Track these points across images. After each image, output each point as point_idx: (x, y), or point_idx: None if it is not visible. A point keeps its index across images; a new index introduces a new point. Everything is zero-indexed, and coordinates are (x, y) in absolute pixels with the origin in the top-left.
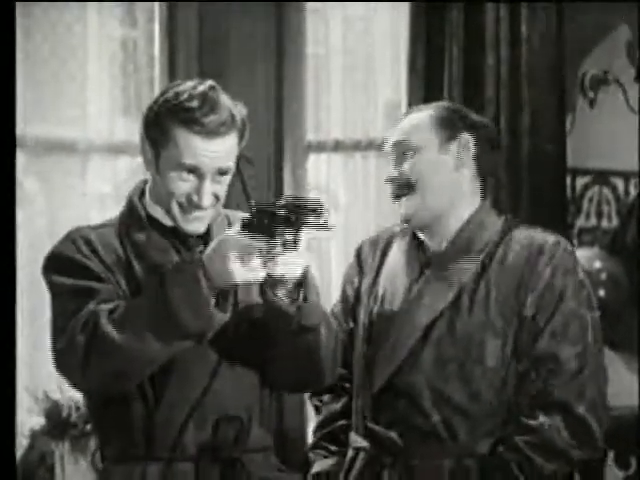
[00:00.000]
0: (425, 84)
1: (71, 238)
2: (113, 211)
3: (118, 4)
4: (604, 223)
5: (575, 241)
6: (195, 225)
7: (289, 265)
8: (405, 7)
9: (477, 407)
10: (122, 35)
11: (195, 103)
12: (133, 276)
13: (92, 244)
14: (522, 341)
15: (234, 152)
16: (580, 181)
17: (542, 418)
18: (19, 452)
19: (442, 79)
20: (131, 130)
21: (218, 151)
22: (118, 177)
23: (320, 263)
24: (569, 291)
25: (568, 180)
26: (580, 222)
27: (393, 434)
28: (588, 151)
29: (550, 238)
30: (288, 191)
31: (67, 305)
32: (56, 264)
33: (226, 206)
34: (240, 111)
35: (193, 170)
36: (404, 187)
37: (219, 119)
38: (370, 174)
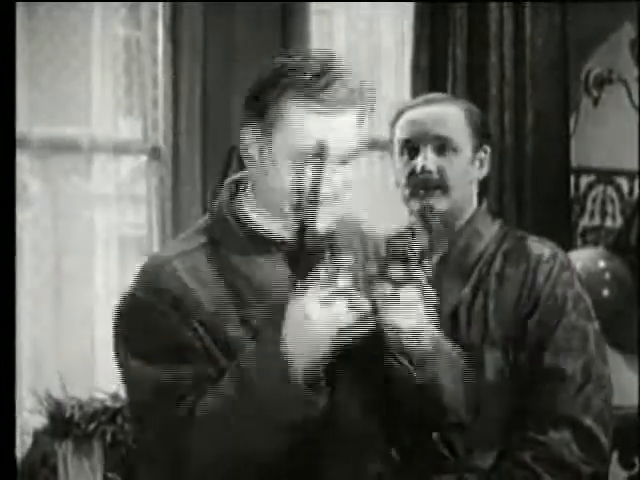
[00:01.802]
0: (429, 83)
1: (154, 287)
2: (117, 211)
3: (122, 4)
4: (608, 222)
5: (579, 240)
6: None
7: (405, 311)
8: (409, 7)
9: (477, 422)
10: (126, 35)
11: (312, 76)
12: (239, 309)
13: (184, 288)
14: (524, 355)
15: (357, 134)
16: (584, 180)
17: (551, 433)
18: (22, 451)
19: (446, 78)
20: (135, 129)
21: (338, 130)
22: (122, 177)
23: None
24: (569, 304)
25: (572, 179)
26: (584, 221)
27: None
28: (592, 150)
29: (546, 250)
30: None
31: (149, 398)
32: (135, 332)
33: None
34: (363, 85)
35: (311, 155)
36: (435, 183)
37: (340, 94)
38: (374, 174)
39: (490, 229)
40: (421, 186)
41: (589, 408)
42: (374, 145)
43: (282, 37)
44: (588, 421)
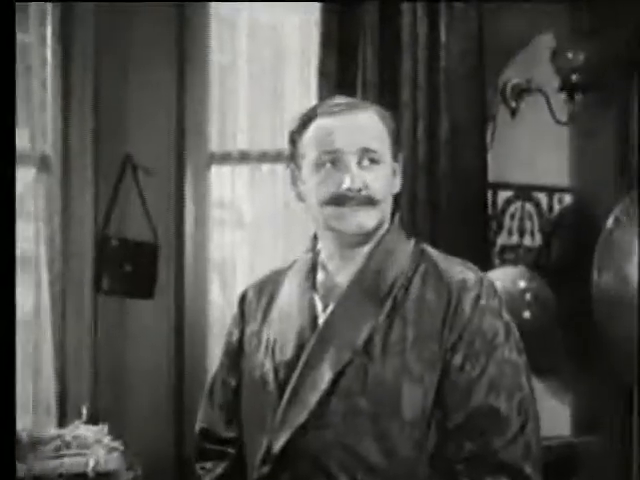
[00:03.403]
0: (337, 89)
1: None
2: None
3: None
4: (527, 240)
5: (496, 259)
6: None
7: None
8: (316, 8)
9: (393, 465)
10: None
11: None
12: None
13: None
14: (450, 392)
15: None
16: (501, 196)
17: None
18: None
19: (355, 83)
20: (22, 137)
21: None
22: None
23: (223, 286)
24: (500, 337)
25: (489, 195)
26: (502, 239)
27: None
28: (510, 164)
29: (470, 275)
30: (189, 203)
31: None
32: None
33: (123, 220)
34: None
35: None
36: (363, 199)
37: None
38: (278, 188)
39: (405, 248)
40: (347, 203)
41: (529, 453)
42: (277, 157)
43: (179, 41)
44: (528, 469)
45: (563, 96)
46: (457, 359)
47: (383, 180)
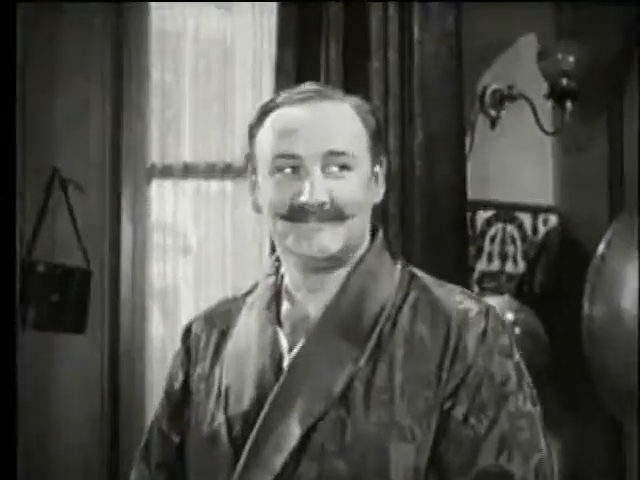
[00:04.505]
0: None
1: None
2: None
3: None
4: (509, 267)
5: (475, 288)
6: None
7: None
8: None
9: None
10: None
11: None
12: None
13: None
14: (450, 452)
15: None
16: (481, 216)
17: None
18: None
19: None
20: None
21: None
22: None
23: (164, 319)
24: (512, 382)
25: (467, 215)
26: (481, 265)
27: None
28: (490, 180)
29: (472, 304)
30: (127, 223)
31: None
32: None
33: (50, 243)
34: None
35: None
36: (326, 214)
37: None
38: (227, 206)
39: (390, 272)
40: (307, 219)
41: None
42: (226, 170)
43: (115, 45)
44: None
45: (550, 103)
46: (459, 410)
47: (355, 190)
